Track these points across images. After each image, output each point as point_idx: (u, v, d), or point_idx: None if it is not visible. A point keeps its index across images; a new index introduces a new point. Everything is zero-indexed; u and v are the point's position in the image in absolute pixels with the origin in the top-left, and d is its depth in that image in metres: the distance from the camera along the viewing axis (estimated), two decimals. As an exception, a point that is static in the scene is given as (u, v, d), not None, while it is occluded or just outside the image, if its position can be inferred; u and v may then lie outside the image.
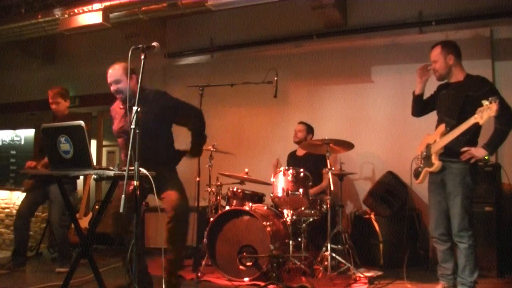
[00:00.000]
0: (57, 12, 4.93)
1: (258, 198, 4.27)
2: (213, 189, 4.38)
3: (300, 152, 4.74)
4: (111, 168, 2.56)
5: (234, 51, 5.69)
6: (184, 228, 3.07)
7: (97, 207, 5.54)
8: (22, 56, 6.65)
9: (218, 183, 4.37)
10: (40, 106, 6.17)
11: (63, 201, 4.28)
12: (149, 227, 4.96)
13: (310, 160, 4.48)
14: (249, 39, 5.57)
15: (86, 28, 4.94)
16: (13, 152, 6.95)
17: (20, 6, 5.15)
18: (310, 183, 3.96)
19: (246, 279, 3.62)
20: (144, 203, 4.44)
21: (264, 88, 4.14)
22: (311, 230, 4.15)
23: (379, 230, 4.28)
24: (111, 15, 4.83)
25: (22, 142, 6.92)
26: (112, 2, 4.65)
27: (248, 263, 3.67)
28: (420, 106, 3.37)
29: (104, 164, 6.79)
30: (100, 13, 4.70)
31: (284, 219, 3.95)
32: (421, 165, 3.24)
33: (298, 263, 3.77)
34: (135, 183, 2.33)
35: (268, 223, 3.65)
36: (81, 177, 4.52)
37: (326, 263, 3.71)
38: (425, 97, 3.36)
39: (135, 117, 2.39)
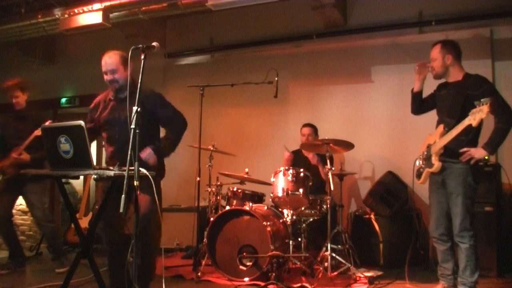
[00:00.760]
0: (57, 12, 4.94)
1: (258, 198, 4.27)
2: (213, 189, 4.38)
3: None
4: (111, 168, 2.56)
5: (234, 51, 5.69)
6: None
7: (97, 207, 5.53)
8: (21, 56, 6.62)
9: (218, 183, 4.37)
10: (40, 106, 6.16)
11: (38, 198, 4.24)
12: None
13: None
14: (249, 39, 5.57)
15: (86, 28, 4.95)
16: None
17: (20, 6, 5.15)
18: (310, 183, 3.96)
19: (246, 279, 3.62)
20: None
21: (265, 88, 4.14)
22: (311, 230, 4.15)
23: (379, 230, 4.28)
24: (111, 15, 4.83)
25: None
26: (112, 2, 4.66)
27: (248, 263, 3.67)
28: (419, 104, 3.37)
29: (104, 164, 6.77)
30: (100, 13, 4.71)
31: (284, 219, 3.95)
32: (423, 166, 3.24)
33: (298, 263, 3.77)
34: (135, 183, 2.33)
35: (268, 223, 3.65)
36: (81, 177, 4.52)
37: (326, 263, 3.70)
38: (424, 95, 3.36)
39: (135, 117, 2.37)
